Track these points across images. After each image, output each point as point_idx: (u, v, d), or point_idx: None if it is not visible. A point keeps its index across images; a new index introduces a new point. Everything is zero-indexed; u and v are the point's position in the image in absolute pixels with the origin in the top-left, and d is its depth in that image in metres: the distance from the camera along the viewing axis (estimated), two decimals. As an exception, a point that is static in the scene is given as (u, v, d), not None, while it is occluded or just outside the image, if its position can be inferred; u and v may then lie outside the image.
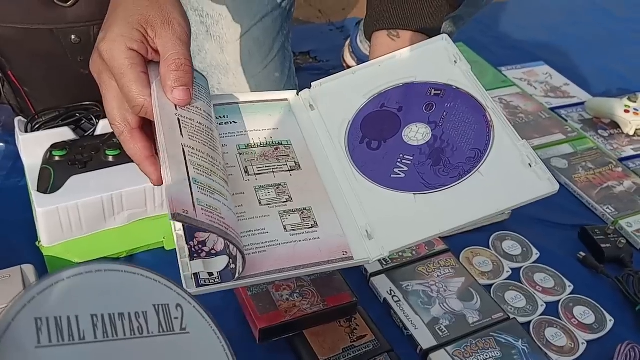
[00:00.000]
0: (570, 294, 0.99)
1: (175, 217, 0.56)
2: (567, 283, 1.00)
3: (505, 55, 1.67)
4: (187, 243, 0.64)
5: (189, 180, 0.60)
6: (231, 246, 0.64)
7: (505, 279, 1.00)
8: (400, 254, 0.98)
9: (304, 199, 0.73)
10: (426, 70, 0.80)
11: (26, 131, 0.95)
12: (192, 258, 0.63)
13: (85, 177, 0.87)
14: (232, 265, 0.64)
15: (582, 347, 0.90)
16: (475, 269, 1.00)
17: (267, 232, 0.69)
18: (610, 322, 0.94)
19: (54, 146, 0.90)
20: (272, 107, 0.82)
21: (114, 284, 0.54)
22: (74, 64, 1.04)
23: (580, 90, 1.54)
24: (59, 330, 0.48)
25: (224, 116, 0.78)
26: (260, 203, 0.71)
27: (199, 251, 0.64)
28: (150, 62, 0.67)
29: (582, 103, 1.48)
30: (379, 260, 0.90)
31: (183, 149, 0.63)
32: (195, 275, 0.62)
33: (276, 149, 0.77)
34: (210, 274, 0.63)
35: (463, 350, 0.85)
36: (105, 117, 0.95)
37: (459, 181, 0.70)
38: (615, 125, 1.41)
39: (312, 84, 0.83)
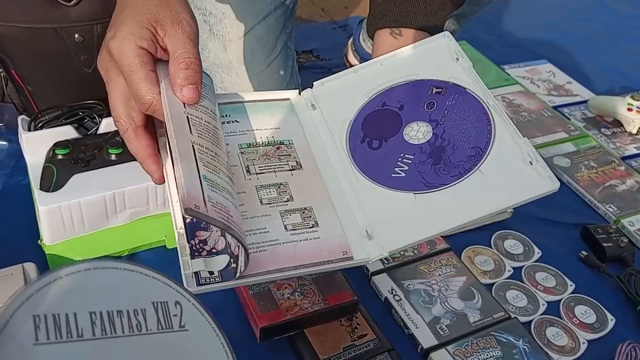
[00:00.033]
0: (572, 293, 0.98)
1: (188, 211, 0.57)
2: (569, 282, 1.00)
3: (508, 54, 1.67)
4: (188, 241, 0.64)
5: (200, 177, 0.61)
6: (232, 245, 0.64)
7: (507, 278, 1.00)
8: (402, 252, 0.99)
9: (304, 198, 0.74)
10: (428, 68, 0.80)
11: (29, 130, 0.95)
12: (193, 256, 0.64)
13: (88, 175, 0.87)
14: (233, 265, 0.64)
15: (583, 347, 0.90)
16: (476, 268, 1.00)
17: (268, 232, 0.69)
18: (611, 321, 0.94)
19: (57, 144, 0.90)
20: (274, 107, 0.82)
21: (113, 281, 0.54)
22: (77, 62, 1.04)
23: (583, 88, 1.54)
24: (57, 327, 0.48)
25: (226, 115, 0.78)
26: (261, 202, 0.72)
27: (200, 250, 0.64)
28: (158, 60, 0.67)
29: (585, 101, 1.48)
30: (380, 259, 0.90)
31: (193, 147, 0.63)
32: (196, 274, 0.62)
33: (278, 148, 0.78)
34: (211, 272, 0.63)
35: (464, 350, 0.85)
36: (108, 115, 0.97)
37: (459, 180, 0.70)
38: (618, 123, 1.40)
39: (314, 83, 0.84)
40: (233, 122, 0.78)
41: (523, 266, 1.02)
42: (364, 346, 0.83)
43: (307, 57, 1.59)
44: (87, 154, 0.90)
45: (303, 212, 0.72)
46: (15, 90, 1.08)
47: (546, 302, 0.96)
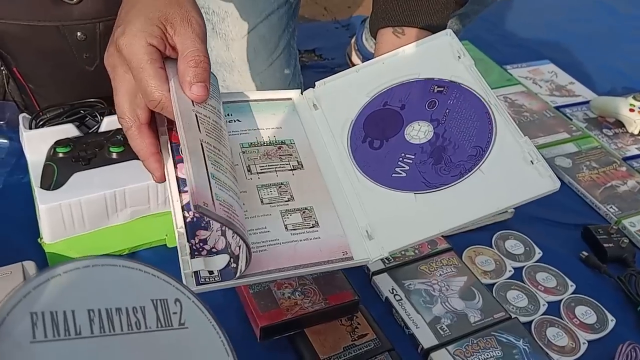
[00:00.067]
0: (572, 293, 0.98)
1: (197, 208, 0.56)
2: (569, 282, 1.00)
3: (510, 54, 1.67)
4: (188, 241, 0.65)
5: (208, 175, 0.61)
6: (233, 245, 0.64)
7: (508, 278, 1.00)
8: (403, 252, 0.98)
9: (305, 198, 0.74)
10: (429, 67, 0.80)
11: (30, 128, 0.95)
12: (192, 256, 0.64)
13: (89, 173, 0.87)
14: (233, 265, 0.64)
15: (583, 347, 0.90)
16: (477, 268, 1.00)
17: (268, 231, 0.69)
18: (611, 322, 0.94)
19: (58, 143, 0.90)
20: (276, 106, 0.82)
21: (111, 278, 0.54)
22: (79, 61, 1.04)
23: (585, 89, 1.54)
24: (54, 325, 0.48)
25: (228, 114, 0.78)
26: (262, 202, 0.72)
27: (200, 249, 0.64)
28: (166, 58, 0.67)
29: (587, 102, 1.48)
30: (381, 259, 0.90)
31: (202, 145, 0.63)
32: (196, 273, 0.62)
33: (279, 148, 0.78)
34: (211, 272, 0.63)
35: (464, 350, 0.85)
36: (109, 114, 0.97)
37: (460, 180, 0.70)
38: (620, 124, 1.40)
39: (315, 83, 0.84)
40: (235, 121, 0.78)
41: (524, 266, 1.02)
42: (365, 346, 0.83)
43: (310, 57, 1.59)
44: (88, 152, 0.89)
45: (304, 212, 0.72)
46: (16, 88, 1.08)
47: (547, 302, 0.96)
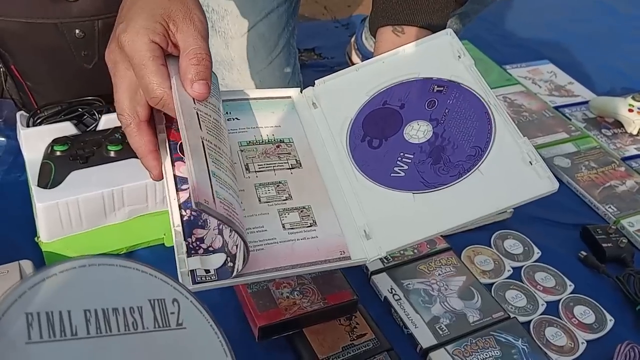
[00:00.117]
0: (571, 293, 0.98)
1: (198, 205, 0.56)
2: (568, 282, 1.00)
3: (510, 54, 1.67)
4: (185, 239, 0.64)
5: (209, 172, 0.61)
6: (230, 244, 0.64)
7: (506, 278, 0.99)
8: (402, 252, 0.98)
9: (303, 197, 0.73)
10: (429, 66, 0.79)
11: (28, 126, 0.95)
12: (189, 254, 0.63)
13: (86, 172, 0.87)
14: (230, 264, 0.64)
15: (582, 347, 0.90)
16: (476, 268, 1.00)
17: (266, 230, 0.69)
18: (610, 321, 0.94)
19: (56, 141, 0.90)
20: (276, 105, 0.82)
21: (108, 278, 0.54)
22: (77, 58, 1.04)
23: (585, 89, 1.54)
24: (50, 325, 0.48)
25: (227, 112, 0.78)
26: (259, 200, 0.71)
27: (197, 248, 0.64)
28: (168, 55, 0.67)
29: (586, 102, 1.48)
30: (380, 258, 0.90)
31: (203, 143, 0.63)
32: (192, 272, 0.62)
33: (278, 146, 0.77)
34: (207, 271, 0.63)
35: (463, 350, 0.85)
36: (107, 112, 0.96)
37: (459, 180, 0.70)
38: (619, 124, 1.40)
39: (315, 81, 0.83)
40: (234, 119, 0.78)
41: (522, 266, 1.02)
42: (363, 346, 0.82)
43: (309, 55, 1.59)
44: (86, 150, 0.89)
45: (301, 211, 0.72)
46: (14, 85, 1.07)
47: (545, 302, 0.96)
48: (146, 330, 0.54)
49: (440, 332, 0.87)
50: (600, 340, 0.92)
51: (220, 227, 0.66)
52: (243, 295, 0.83)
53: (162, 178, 0.69)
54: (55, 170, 0.86)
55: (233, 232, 0.62)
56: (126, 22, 0.65)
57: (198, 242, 0.64)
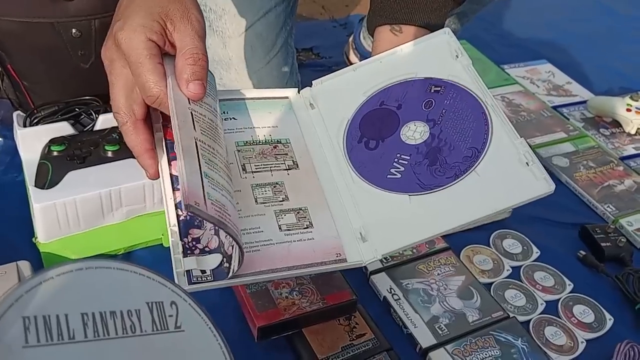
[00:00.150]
0: (570, 292, 0.98)
1: (188, 207, 0.56)
2: (567, 282, 1.00)
3: (508, 53, 1.67)
4: (181, 239, 0.64)
5: (201, 173, 0.61)
6: (226, 244, 0.64)
7: (506, 278, 0.99)
8: (401, 252, 0.98)
9: (300, 198, 0.73)
10: (427, 66, 0.79)
11: (25, 126, 0.95)
12: (185, 254, 0.63)
13: (84, 172, 0.87)
14: (226, 264, 0.63)
15: (582, 346, 0.89)
16: (475, 267, 1.00)
17: (262, 231, 0.69)
18: (609, 321, 0.94)
19: (53, 141, 0.90)
20: (273, 105, 0.81)
21: (106, 281, 0.53)
22: (74, 58, 1.03)
23: (583, 88, 1.54)
24: (47, 329, 0.47)
25: (224, 112, 0.77)
26: (256, 201, 0.71)
27: (193, 248, 0.64)
28: (165, 54, 0.67)
29: (584, 102, 1.47)
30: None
31: (196, 143, 0.63)
32: (188, 272, 0.62)
33: (275, 147, 0.77)
34: (203, 271, 0.63)
35: (462, 349, 0.85)
36: (105, 112, 0.96)
37: (455, 181, 0.70)
38: (617, 124, 1.40)
39: (312, 82, 0.83)
40: (231, 119, 0.78)
41: (522, 265, 1.02)
42: (363, 346, 0.82)
43: (307, 55, 1.59)
44: (83, 150, 0.89)
45: (298, 213, 0.72)
46: (11, 85, 1.07)
47: (545, 301, 0.96)
48: (144, 334, 0.54)
49: (440, 332, 0.87)
50: (599, 339, 0.92)
51: (216, 227, 0.65)
52: (242, 295, 0.82)
53: (158, 177, 0.69)
54: (52, 170, 0.86)
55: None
56: (123, 19, 0.65)
57: (194, 242, 0.64)
